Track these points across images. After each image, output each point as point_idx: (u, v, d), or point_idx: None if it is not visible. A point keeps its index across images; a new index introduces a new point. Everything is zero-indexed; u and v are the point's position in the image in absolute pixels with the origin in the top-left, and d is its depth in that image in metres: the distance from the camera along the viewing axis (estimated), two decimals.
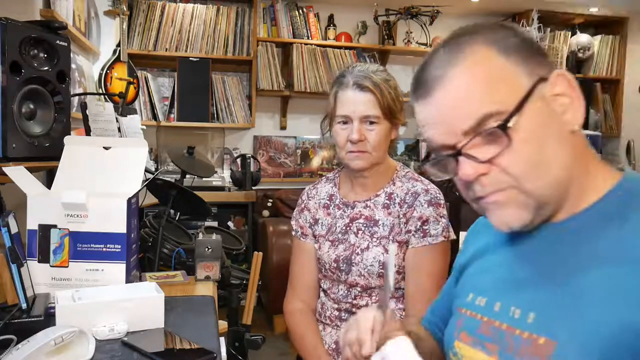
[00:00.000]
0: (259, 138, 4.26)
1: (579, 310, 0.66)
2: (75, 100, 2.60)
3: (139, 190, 1.22)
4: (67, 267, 1.13)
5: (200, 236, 1.46)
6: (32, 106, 1.33)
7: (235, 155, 4.08)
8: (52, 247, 1.13)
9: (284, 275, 1.60)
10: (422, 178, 1.45)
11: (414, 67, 3.51)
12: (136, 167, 1.24)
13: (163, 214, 1.77)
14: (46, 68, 1.34)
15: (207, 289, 1.35)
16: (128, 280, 1.15)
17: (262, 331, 2.35)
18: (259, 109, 4.17)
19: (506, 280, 0.78)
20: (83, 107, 1.73)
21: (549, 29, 4.49)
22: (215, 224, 3.72)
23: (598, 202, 0.72)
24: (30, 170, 1.19)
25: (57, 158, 1.24)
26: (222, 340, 1.11)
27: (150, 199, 1.93)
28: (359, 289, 1.41)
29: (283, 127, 4.32)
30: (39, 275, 1.13)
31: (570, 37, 4.55)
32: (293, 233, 1.56)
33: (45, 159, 1.35)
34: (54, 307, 0.98)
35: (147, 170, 1.75)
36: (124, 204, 1.14)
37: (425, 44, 4.29)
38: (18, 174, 1.15)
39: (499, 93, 0.69)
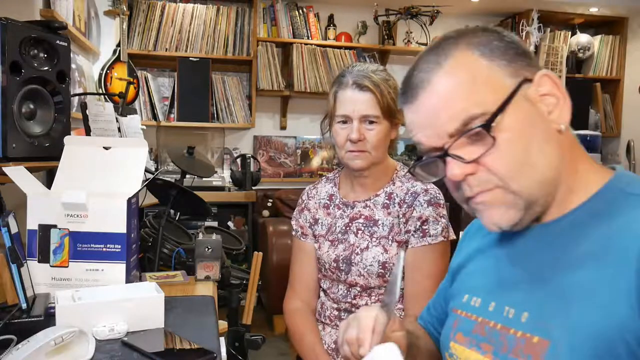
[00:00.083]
0: (259, 138, 4.26)
1: (570, 309, 0.67)
2: (75, 100, 2.60)
3: (139, 190, 1.22)
4: (67, 267, 1.13)
5: (200, 236, 1.46)
6: (32, 106, 1.33)
7: (235, 155, 4.08)
8: (52, 247, 1.13)
9: (284, 275, 1.60)
10: None
11: None
12: (136, 167, 1.24)
13: (163, 214, 1.77)
14: (46, 68, 1.34)
15: (207, 289, 1.35)
16: (128, 280, 1.15)
17: (262, 331, 2.35)
18: (259, 109, 4.17)
19: (500, 281, 0.79)
20: (83, 107, 1.73)
21: (549, 29, 4.49)
22: (215, 224, 3.72)
23: (588, 201, 0.73)
24: (30, 170, 1.19)
25: (57, 158, 1.24)
26: (222, 340, 1.11)
27: (150, 199, 1.93)
28: (358, 288, 1.41)
29: (283, 127, 4.32)
30: (39, 275, 1.13)
31: (570, 37, 4.55)
32: (293, 233, 1.56)
33: (45, 159, 1.35)
34: (54, 307, 0.98)
35: (147, 170, 1.75)
36: (124, 204, 1.14)
37: (425, 44, 4.29)
38: (18, 174, 1.15)
39: (482, 95, 0.70)
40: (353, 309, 1.40)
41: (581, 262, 0.69)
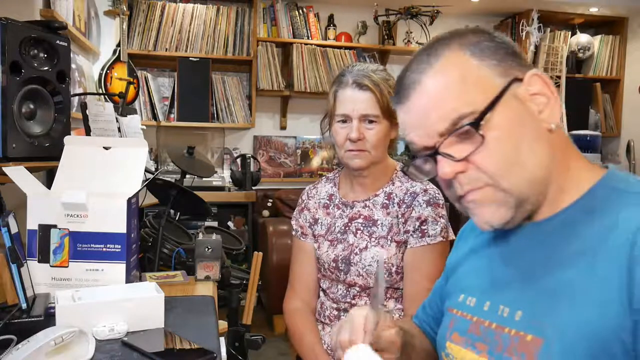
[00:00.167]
0: (259, 138, 4.26)
1: (562, 307, 0.67)
2: (75, 100, 2.60)
3: (139, 190, 1.22)
4: (67, 267, 1.13)
5: (200, 236, 1.46)
6: (32, 106, 1.33)
7: (235, 155, 4.08)
8: (52, 247, 1.13)
9: (284, 275, 1.60)
10: None
11: None
12: (136, 167, 1.24)
13: (163, 214, 1.77)
14: (46, 68, 1.34)
15: (207, 289, 1.35)
16: (128, 280, 1.15)
17: (262, 331, 2.35)
18: (259, 109, 4.17)
19: (494, 280, 0.80)
20: (83, 107, 1.73)
21: (549, 29, 4.49)
22: (215, 224, 3.72)
23: (580, 199, 0.73)
24: (30, 170, 1.19)
25: (57, 158, 1.24)
26: (222, 340, 1.11)
27: (150, 199, 1.93)
28: (357, 288, 1.41)
29: (283, 127, 4.32)
30: (39, 275, 1.13)
31: (570, 37, 4.56)
32: (293, 233, 1.56)
33: (45, 159, 1.35)
34: (54, 307, 0.98)
35: (147, 170, 1.75)
36: (124, 204, 1.14)
37: None
38: (18, 174, 1.15)
39: (472, 94, 0.71)
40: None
41: (573, 260, 0.69)
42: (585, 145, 4.14)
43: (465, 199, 0.75)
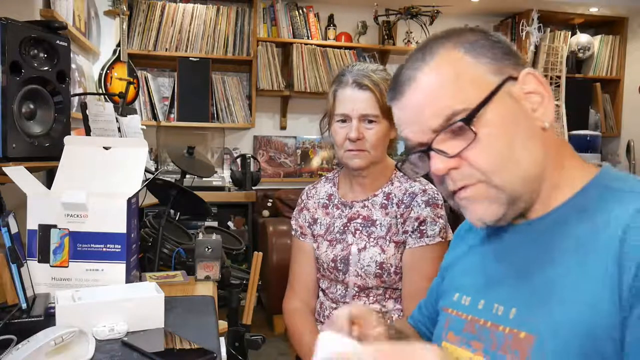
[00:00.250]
0: (259, 138, 4.26)
1: (554, 304, 0.68)
2: (75, 100, 2.60)
3: (139, 190, 1.22)
4: (67, 267, 1.13)
5: (200, 236, 1.46)
6: (32, 106, 1.33)
7: (235, 155, 4.08)
8: (52, 247, 1.13)
9: (284, 275, 1.60)
10: (421, 178, 1.45)
11: None
12: (136, 167, 1.24)
13: (163, 214, 1.77)
14: (46, 68, 1.34)
15: (207, 289, 1.35)
16: (128, 280, 1.15)
17: (262, 331, 2.35)
18: (259, 109, 4.17)
19: (488, 278, 0.80)
20: (83, 107, 1.73)
21: (549, 29, 4.49)
22: (215, 224, 3.72)
23: (573, 198, 0.74)
24: (30, 170, 1.19)
25: (57, 158, 1.24)
26: (222, 340, 1.11)
27: (150, 199, 1.93)
28: (356, 289, 1.41)
29: (283, 127, 4.32)
30: (39, 275, 1.13)
31: (570, 37, 4.56)
32: (293, 233, 1.56)
33: (45, 159, 1.35)
34: (54, 307, 0.98)
35: (147, 170, 1.75)
36: (124, 204, 1.14)
37: None
38: (18, 174, 1.15)
39: (466, 92, 0.72)
40: None
41: (565, 258, 0.69)
42: (585, 145, 4.14)
43: (457, 195, 0.75)
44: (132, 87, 3.24)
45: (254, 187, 3.79)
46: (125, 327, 0.98)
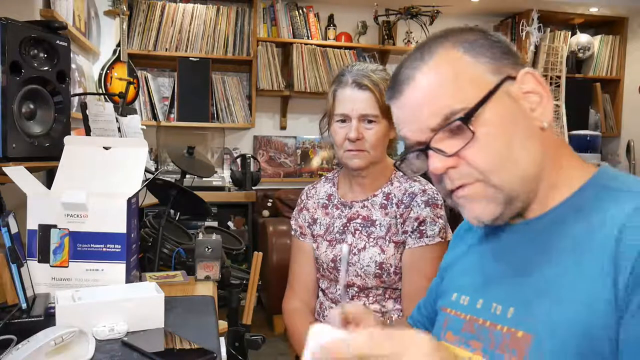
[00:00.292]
0: (259, 138, 4.26)
1: (551, 303, 0.68)
2: (75, 100, 2.60)
3: (139, 190, 1.22)
4: (67, 267, 1.13)
5: (200, 236, 1.46)
6: (32, 106, 1.33)
7: (235, 155, 4.08)
8: (52, 247, 1.13)
9: (284, 275, 1.60)
10: (421, 178, 1.45)
11: None
12: (136, 167, 1.24)
13: (163, 214, 1.77)
14: (46, 68, 1.34)
15: (207, 289, 1.35)
16: (128, 280, 1.15)
17: (262, 331, 2.35)
18: (259, 109, 4.17)
19: (486, 278, 0.80)
20: (83, 107, 1.73)
21: (549, 29, 4.49)
22: (215, 224, 3.72)
23: (570, 198, 0.74)
24: (30, 170, 1.19)
25: (57, 158, 1.24)
26: (222, 340, 1.11)
27: (150, 199, 1.93)
28: (355, 289, 1.41)
29: (283, 127, 4.32)
30: (39, 275, 1.13)
31: (570, 37, 4.56)
32: (292, 233, 1.56)
33: (45, 159, 1.35)
34: (54, 307, 0.98)
35: (147, 170, 1.75)
36: (124, 204, 1.14)
37: None
38: (18, 174, 1.15)
39: (464, 91, 0.72)
40: None
41: (562, 258, 0.70)
42: (585, 145, 4.14)
43: (455, 194, 0.76)
44: (132, 87, 3.24)
45: (254, 187, 3.79)
46: (125, 327, 0.98)
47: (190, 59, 3.83)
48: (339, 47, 4.18)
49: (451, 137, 0.72)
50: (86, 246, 1.13)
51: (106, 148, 1.26)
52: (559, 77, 4.18)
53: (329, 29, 4.23)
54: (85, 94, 2.88)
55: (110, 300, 1.02)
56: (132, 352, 0.92)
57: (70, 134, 1.42)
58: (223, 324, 1.65)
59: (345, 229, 1.44)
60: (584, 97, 4.46)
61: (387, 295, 1.41)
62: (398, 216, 1.39)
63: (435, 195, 1.40)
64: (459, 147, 0.72)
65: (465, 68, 0.73)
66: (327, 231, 1.47)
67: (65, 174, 1.22)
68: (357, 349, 0.52)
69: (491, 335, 0.73)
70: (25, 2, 2.27)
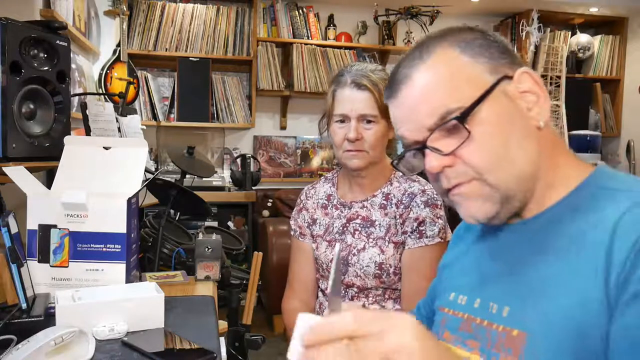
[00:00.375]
0: (259, 138, 4.26)
1: (546, 302, 0.68)
2: (75, 100, 2.60)
3: (139, 190, 1.22)
4: (67, 267, 1.13)
5: (200, 236, 1.46)
6: (32, 106, 1.33)
7: (235, 155, 4.08)
8: (52, 247, 1.13)
9: (284, 275, 1.60)
10: (420, 178, 1.44)
11: None
12: (136, 167, 1.24)
13: (163, 214, 1.77)
14: (46, 68, 1.35)
15: (207, 289, 1.35)
16: (128, 280, 1.15)
17: (262, 331, 2.35)
18: (259, 109, 4.17)
19: (483, 277, 0.80)
20: (83, 107, 1.73)
21: (549, 29, 4.49)
22: (215, 224, 3.72)
23: (567, 197, 0.74)
24: (30, 170, 1.19)
25: (57, 158, 1.24)
26: (222, 340, 1.11)
27: (150, 199, 1.93)
28: (355, 289, 1.41)
29: (283, 127, 4.32)
30: (39, 275, 1.13)
31: (570, 37, 4.56)
32: (292, 233, 1.56)
33: (45, 159, 1.35)
34: (54, 307, 0.98)
35: (147, 170, 1.75)
36: (124, 204, 1.14)
37: None
38: (18, 174, 1.15)
39: (461, 90, 0.72)
40: None
41: (558, 257, 0.70)
42: (585, 145, 4.14)
43: (451, 193, 0.76)
44: (132, 87, 3.24)
45: (254, 187, 3.79)
46: (125, 327, 0.98)
47: (190, 59, 3.83)
48: (339, 47, 4.18)
49: (447, 136, 0.73)
50: (86, 246, 1.13)
51: (106, 148, 1.26)
52: (559, 77, 4.18)
53: (329, 29, 4.23)
54: (85, 94, 2.89)
55: (110, 300, 1.02)
56: (132, 352, 0.92)
57: (70, 134, 1.42)
58: (223, 324, 1.65)
59: (345, 229, 1.44)
60: (584, 97, 4.46)
61: (386, 296, 1.41)
62: (397, 216, 1.39)
63: (435, 195, 1.39)
64: (455, 146, 0.72)
65: (461, 67, 0.73)
66: (326, 231, 1.47)
67: (65, 174, 1.22)
68: (345, 328, 0.52)
69: (488, 334, 0.73)
70: (25, 2, 2.27)
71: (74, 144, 1.26)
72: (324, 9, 4.23)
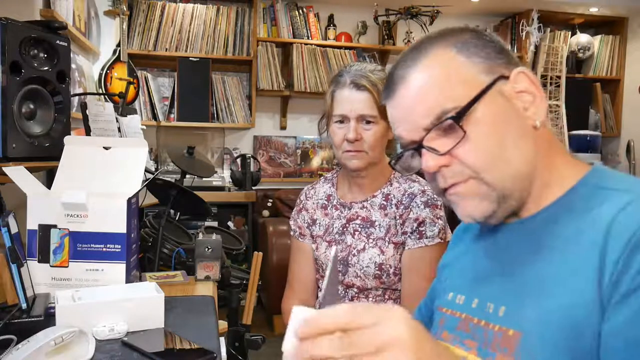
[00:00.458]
0: (259, 138, 4.26)
1: (542, 302, 0.68)
2: (75, 100, 2.61)
3: (139, 190, 1.22)
4: (67, 267, 1.13)
5: (200, 236, 1.46)
6: (32, 106, 1.33)
7: (235, 155, 4.08)
8: (52, 247, 1.13)
9: (284, 275, 1.60)
10: (420, 179, 1.44)
11: None
12: (136, 167, 1.24)
13: (163, 214, 1.77)
14: (46, 68, 1.35)
15: (207, 289, 1.35)
16: (128, 280, 1.15)
17: (262, 331, 2.35)
18: (259, 109, 4.17)
19: (481, 277, 0.81)
20: (83, 107, 1.73)
21: (549, 29, 4.49)
22: (215, 224, 3.72)
23: (563, 197, 0.74)
24: (30, 170, 1.19)
25: (57, 158, 1.25)
26: (222, 340, 1.11)
27: (150, 199, 1.93)
28: (355, 290, 1.41)
29: (283, 127, 4.32)
30: (39, 275, 1.13)
31: (570, 37, 4.56)
32: (291, 233, 1.56)
33: (45, 159, 1.35)
34: (54, 307, 0.98)
35: (147, 170, 1.75)
36: (124, 204, 1.14)
37: None
38: (18, 174, 1.15)
39: (457, 90, 0.72)
40: None
41: (554, 256, 0.70)
42: (585, 145, 4.14)
43: (448, 192, 0.76)
44: (132, 87, 3.24)
45: (254, 187, 3.79)
46: (125, 327, 0.98)
47: (190, 59, 3.83)
48: (339, 47, 4.18)
49: (444, 136, 0.73)
50: (86, 246, 1.13)
51: (106, 148, 1.26)
52: (559, 77, 4.18)
53: (329, 29, 4.23)
54: (85, 94, 2.89)
55: (110, 300, 1.02)
56: (132, 352, 0.92)
57: (70, 134, 1.43)
58: (223, 324, 1.65)
59: (345, 229, 1.44)
60: (584, 97, 4.46)
61: (386, 296, 1.41)
62: (397, 217, 1.39)
63: (435, 195, 1.39)
64: (451, 145, 0.72)
65: (457, 68, 0.74)
66: (326, 232, 1.47)
67: (65, 174, 1.22)
68: (339, 320, 0.53)
69: (485, 334, 0.74)
70: (25, 2, 2.27)
71: (74, 144, 1.26)
72: (324, 9, 4.23)
